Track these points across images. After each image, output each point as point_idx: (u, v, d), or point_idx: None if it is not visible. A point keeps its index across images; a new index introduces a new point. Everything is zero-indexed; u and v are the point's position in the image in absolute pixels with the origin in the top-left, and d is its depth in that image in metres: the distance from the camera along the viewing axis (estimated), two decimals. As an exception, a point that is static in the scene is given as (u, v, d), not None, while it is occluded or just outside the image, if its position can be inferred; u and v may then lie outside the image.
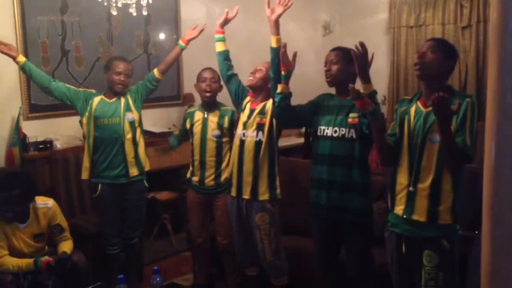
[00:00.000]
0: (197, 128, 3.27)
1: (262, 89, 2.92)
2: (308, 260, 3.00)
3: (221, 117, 3.25)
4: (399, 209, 2.28)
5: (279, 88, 2.64)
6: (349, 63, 2.50)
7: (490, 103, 1.04)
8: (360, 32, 6.42)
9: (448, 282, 2.21)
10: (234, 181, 2.93)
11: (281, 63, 2.64)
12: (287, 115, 2.70)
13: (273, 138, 2.86)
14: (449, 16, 5.72)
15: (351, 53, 2.31)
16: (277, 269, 2.94)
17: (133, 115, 3.31)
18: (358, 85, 2.39)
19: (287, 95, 2.66)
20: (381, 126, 2.33)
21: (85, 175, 3.30)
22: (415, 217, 2.22)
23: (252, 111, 2.91)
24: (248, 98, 3.00)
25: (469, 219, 2.40)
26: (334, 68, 2.58)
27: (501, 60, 1.02)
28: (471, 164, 2.39)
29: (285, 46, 2.63)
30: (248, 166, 2.86)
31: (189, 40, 3.48)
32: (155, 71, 3.43)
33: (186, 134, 3.40)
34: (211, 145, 3.23)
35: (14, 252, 2.70)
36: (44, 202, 2.89)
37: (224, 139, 3.24)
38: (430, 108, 2.18)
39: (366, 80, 2.34)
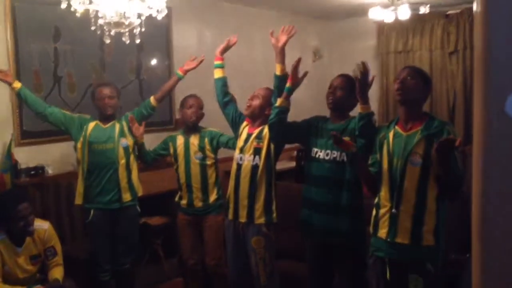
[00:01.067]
0: (180, 152, 3.35)
1: (259, 116, 2.96)
2: (300, 285, 2.99)
3: (202, 138, 3.35)
4: (382, 232, 2.31)
5: (279, 102, 2.70)
6: (351, 92, 2.57)
7: (477, 129, 1.07)
8: (350, 57, 6.52)
9: None
10: (231, 204, 2.95)
11: (290, 76, 2.70)
12: (283, 129, 2.75)
13: (270, 163, 2.89)
14: (436, 42, 5.85)
15: (352, 72, 2.39)
16: None
17: (127, 141, 3.33)
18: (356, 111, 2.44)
19: (285, 110, 2.71)
20: (362, 161, 2.39)
21: (78, 200, 3.30)
22: (398, 239, 2.25)
23: (249, 135, 2.95)
24: (245, 123, 3.04)
25: (460, 242, 2.42)
26: (339, 93, 2.64)
27: (487, 87, 1.05)
28: (462, 188, 2.42)
29: (299, 60, 2.71)
30: (244, 189, 2.88)
31: (187, 71, 3.53)
32: (152, 98, 3.47)
33: (158, 155, 3.48)
34: (195, 168, 3.31)
35: (8, 278, 2.66)
36: (40, 224, 2.88)
37: (209, 162, 3.33)
38: (410, 132, 2.26)
39: (365, 100, 2.42)
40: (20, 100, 3.30)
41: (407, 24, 5.89)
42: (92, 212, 3.26)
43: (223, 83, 3.15)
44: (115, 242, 3.36)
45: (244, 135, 2.99)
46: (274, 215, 2.89)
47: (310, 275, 2.80)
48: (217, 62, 3.19)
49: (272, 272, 2.90)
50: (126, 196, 3.31)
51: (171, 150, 3.41)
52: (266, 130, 2.89)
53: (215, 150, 3.38)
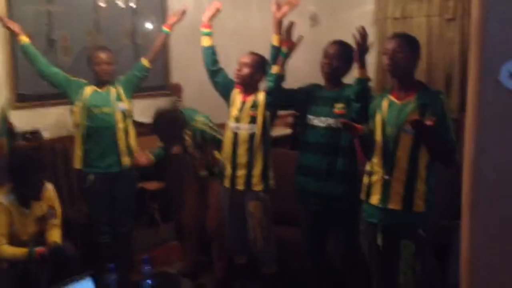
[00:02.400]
0: None
1: (251, 83, 2.95)
2: (296, 250, 3.06)
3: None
4: (375, 198, 2.36)
5: (275, 69, 2.71)
6: (346, 60, 2.58)
7: (471, 100, 1.08)
8: (347, 23, 6.42)
9: (425, 269, 2.30)
10: (228, 172, 2.97)
11: (284, 40, 2.70)
12: (279, 96, 2.75)
13: (266, 130, 2.90)
14: (434, 8, 5.77)
15: (352, 37, 2.36)
16: (267, 257, 3.00)
17: (124, 105, 3.34)
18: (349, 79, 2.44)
19: (281, 76, 2.71)
20: (369, 140, 2.42)
21: (78, 164, 3.33)
22: (390, 205, 2.31)
23: (243, 103, 2.94)
24: (236, 90, 3.03)
25: (451, 209, 2.47)
26: (335, 63, 2.64)
27: (482, 55, 1.06)
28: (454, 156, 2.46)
29: (291, 24, 2.72)
30: (242, 158, 2.90)
31: (172, 25, 3.47)
32: (144, 60, 3.45)
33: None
34: None
35: (12, 239, 2.72)
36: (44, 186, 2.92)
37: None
38: (405, 101, 2.28)
39: (363, 64, 2.42)
40: (25, 56, 3.26)
41: (405, -11, 5.81)
42: (91, 176, 3.29)
43: (212, 51, 3.13)
44: (114, 206, 3.41)
45: (238, 103, 2.98)
46: (271, 181, 2.93)
47: (305, 240, 2.87)
48: (205, 30, 3.14)
49: (269, 236, 2.96)
50: (125, 160, 3.34)
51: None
52: (260, 97, 2.90)
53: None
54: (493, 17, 1.03)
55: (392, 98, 2.35)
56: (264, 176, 2.91)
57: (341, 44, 2.70)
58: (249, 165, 2.91)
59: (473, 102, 1.07)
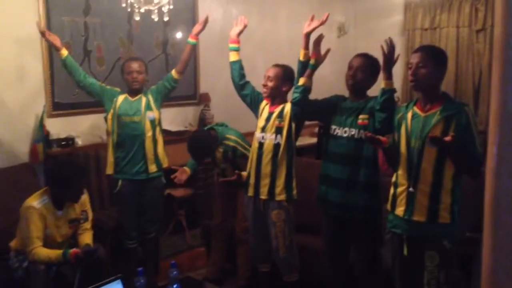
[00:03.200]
0: None
1: (278, 95, 3.01)
2: (317, 258, 3.09)
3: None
4: (400, 210, 2.37)
5: (302, 81, 2.76)
6: (371, 73, 2.62)
7: (493, 109, 1.11)
8: (375, 33, 6.46)
9: (449, 281, 2.30)
10: (252, 181, 3.03)
11: (312, 52, 2.76)
12: (305, 107, 2.81)
13: (291, 141, 2.95)
14: (463, 19, 5.75)
15: (380, 48, 2.41)
16: (289, 265, 3.03)
17: (153, 114, 3.44)
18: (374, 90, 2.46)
19: (308, 88, 2.77)
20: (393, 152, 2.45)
21: (110, 170, 3.44)
22: (415, 217, 2.31)
23: (270, 114, 3.00)
24: (264, 102, 3.09)
25: (476, 221, 2.46)
26: (359, 75, 2.67)
27: (504, 68, 1.09)
28: (480, 167, 2.46)
29: (321, 37, 2.79)
30: (266, 168, 2.95)
31: (197, 35, 3.54)
32: (173, 71, 3.55)
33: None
34: None
35: (47, 242, 2.82)
36: None
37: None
38: (429, 113, 2.29)
39: (389, 76, 2.45)
40: (65, 68, 3.40)
41: (434, 0, 5.80)
42: (120, 182, 3.40)
43: (240, 66, 3.16)
44: (141, 211, 3.50)
45: (265, 114, 3.03)
46: (294, 192, 2.97)
47: (327, 249, 2.89)
48: (233, 45, 3.18)
49: (291, 245, 3.00)
50: (152, 168, 3.44)
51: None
52: (287, 108, 2.94)
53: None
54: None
55: (417, 110, 2.36)
56: (287, 186, 2.95)
57: (365, 57, 2.72)
58: (273, 175, 2.95)
59: (495, 112, 1.09)
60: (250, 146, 3.17)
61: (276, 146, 2.94)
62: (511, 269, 1.12)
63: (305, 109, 2.83)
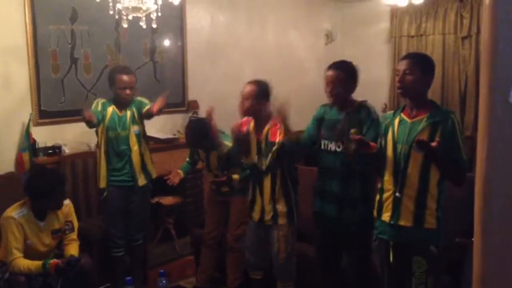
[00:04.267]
0: None
1: (258, 113, 2.94)
2: (310, 265, 3.07)
3: None
4: (386, 216, 2.38)
5: (285, 140, 2.77)
6: (348, 80, 2.63)
7: (482, 116, 1.11)
8: (362, 41, 6.51)
9: (437, 286, 2.30)
10: (257, 207, 2.99)
11: (282, 132, 2.77)
12: (296, 156, 2.91)
13: (289, 166, 2.93)
14: (449, 26, 5.81)
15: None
16: (286, 273, 3.00)
17: (138, 128, 3.43)
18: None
19: (288, 144, 2.78)
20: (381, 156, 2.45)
21: (103, 183, 3.40)
22: (401, 222, 2.32)
23: (259, 146, 2.94)
24: (250, 130, 3.00)
25: (465, 226, 2.47)
26: (339, 90, 2.67)
27: (491, 76, 1.09)
28: (469, 173, 2.47)
29: (283, 117, 2.71)
30: (267, 194, 2.93)
31: (157, 111, 3.37)
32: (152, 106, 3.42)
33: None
34: None
35: (29, 253, 2.77)
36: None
37: None
38: (416, 119, 2.31)
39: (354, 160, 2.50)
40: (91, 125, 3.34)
41: (420, 7, 5.85)
42: (107, 188, 3.38)
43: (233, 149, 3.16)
44: (128, 218, 3.48)
45: (254, 148, 2.96)
46: (295, 207, 2.95)
47: (318, 258, 2.89)
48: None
49: (292, 252, 2.98)
50: (141, 180, 3.44)
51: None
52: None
53: None
54: (504, 38, 1.06)
55: (404, 116, 2.38)
56: (289, 211, 2.93)
57: (339, 69, 2.71)
58: (274, 200, 2.93)
59: (484, 120, 1.10)
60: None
61: (273, 174, 2.90)
62: (502, 274, 1.12)
63: (297, 155, 2.83)
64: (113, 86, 3.38)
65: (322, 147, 2.74)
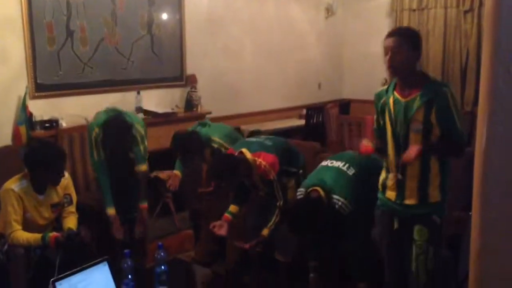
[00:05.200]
0: None
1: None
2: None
3: None
4: (390, 194, 2.38)
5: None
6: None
7: (483, 89, 1.09)
8: (363, 14, 6.42)
9: (437, 256, 2.32)
10: None
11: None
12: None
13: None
14: (451, 0, 5.72)
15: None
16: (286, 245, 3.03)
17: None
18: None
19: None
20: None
21: (111, 210, 3.29)
22: (407, 202, 2.32)
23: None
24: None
25: (464, 200, 2.47)
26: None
27: (494, 47, 1.07)
28: (468, 148, 2.46)
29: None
30: None
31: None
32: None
33: None
34: None
35: (28, 226, 2.78)
36: None
37: None
38: (409, 98, 2.27)
39: None
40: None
41: (422, -20, 5.76)
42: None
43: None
44: (127, 191, 3.47)
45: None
46: None
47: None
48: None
49: None
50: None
51: None
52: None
53: None
54: (507, 8, 1.04)
55: (397, 95, 2.33)
56: None
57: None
58: None
59: (485, 91, 1.08)
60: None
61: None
62: (500, 247, 1.12)
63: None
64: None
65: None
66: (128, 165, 3.43)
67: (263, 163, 2.84)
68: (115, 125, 3.10)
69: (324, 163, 2.82)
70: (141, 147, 3.28)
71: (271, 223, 2.91)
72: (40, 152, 2.81)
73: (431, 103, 2.22)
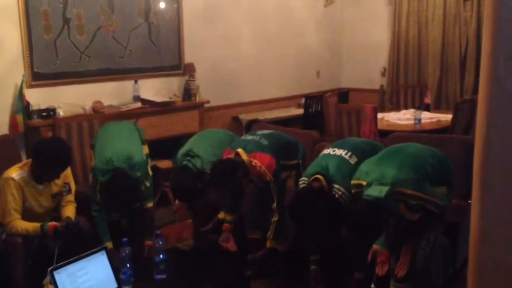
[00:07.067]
0: None
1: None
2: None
3: None
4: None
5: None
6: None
7: (484, 76, 1.08)
8: (362, 2, 6.37)
9: (436, 245, 2.35)
10: None
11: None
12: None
13: None
14: (451, -13, 5.69)
15: None
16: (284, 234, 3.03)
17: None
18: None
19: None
20: None
21: (109, 243, 3.05)
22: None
23: None
24: None
25: (463, 189, 2.47)
26: None
27: (495, 34, 1.06)
28: (467, 136, 2.46)
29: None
30: None
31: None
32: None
33: None
34: None
35: (26, 214, 2.77)
36: None
37: None
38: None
39: None
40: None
41: (422, -33, 5.71)
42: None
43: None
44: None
45: None
46: None
47: None
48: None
49: None
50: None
51: None
52: None
53: None
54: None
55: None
56: None
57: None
58: None
59: (485, 78, 1.07)
60: None
61: None
62: (498, 234, 1.11)
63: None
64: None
65: None
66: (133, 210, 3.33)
67: (259, 164, 2.84)
68: (120, 195, 2.91)
69: (326, 151, 2.80)
70: (147, 184, 3.16)
71: (270, 232, 2.94)
72: (48, 150, 2.76)
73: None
